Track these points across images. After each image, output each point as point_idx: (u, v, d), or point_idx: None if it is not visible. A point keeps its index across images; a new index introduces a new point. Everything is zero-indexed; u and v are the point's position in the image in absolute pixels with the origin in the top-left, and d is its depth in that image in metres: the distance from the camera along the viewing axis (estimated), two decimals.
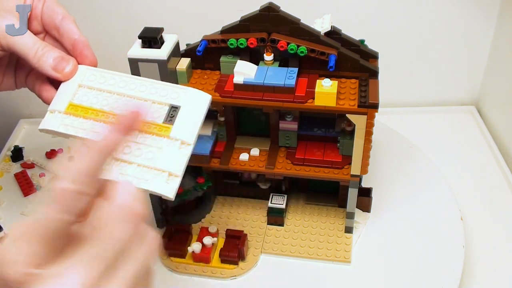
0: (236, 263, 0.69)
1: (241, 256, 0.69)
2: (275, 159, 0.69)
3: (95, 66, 0.54)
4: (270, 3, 0.62)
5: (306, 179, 0.74)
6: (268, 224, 0.74)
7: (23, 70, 0.59)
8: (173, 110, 0.49)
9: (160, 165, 0.47)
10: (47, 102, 0.54)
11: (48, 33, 0.57)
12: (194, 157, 0.69)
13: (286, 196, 0.74)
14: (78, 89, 0.52)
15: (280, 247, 0.71)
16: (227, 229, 0.71)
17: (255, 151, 0.70)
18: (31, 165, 0.90)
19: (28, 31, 0.53)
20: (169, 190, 0.47)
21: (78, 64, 0.54)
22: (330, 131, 0.70)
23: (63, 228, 0.34)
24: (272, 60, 0.64)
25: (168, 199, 0.47)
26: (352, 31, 0.68)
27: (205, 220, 0.75)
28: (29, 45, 0.52)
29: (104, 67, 1.05)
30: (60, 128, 0.51)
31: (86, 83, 0.52)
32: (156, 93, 0.50)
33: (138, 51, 0.61)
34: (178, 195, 0.69)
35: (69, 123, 0.50)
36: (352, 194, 0.68)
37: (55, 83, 0.55)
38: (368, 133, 0.61)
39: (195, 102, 0.50)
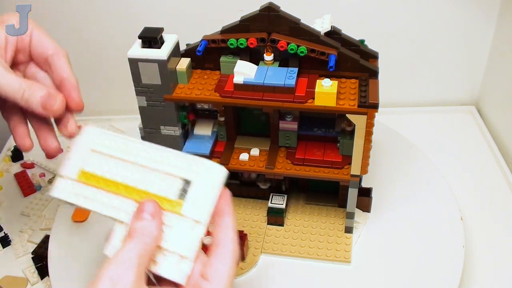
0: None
1: (241, 256, 0.69)
2: (275, 159, 0.69)
3: (81, 109, 0.53)
4: (270, 3, 0.62)
5: (306, 179, 0.74)
6: (268, 224, 0.74)
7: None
8: (186, 184, 0.46)
9: (171, 246, 0.44)
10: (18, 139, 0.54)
11: (37, 64, 0.56)
12: None
13: (286, 196, 0.74)
14: (90, 154, 0.50)
15: (280, 247, 0.71)
16: None
17: (255, 151, 0.70)
18: (31, 165, 0.90)
19: (11, 72, 0.51)
20: (180, 274, 0.43)
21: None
22: (330, 131, 0.70)
23: None
24: (272, 60, 0.64)
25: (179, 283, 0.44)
26: (352, 31, 0.68)
27: None
28: (16, 88, 0.50)
29: (104, 67, 1.06)
30: (72, 198, 0.49)
31: (98, 148, 0.50)
32: (169, 163, 0.47)
33: (138, 51, 0.61)
34: None
35: (81, 193, 0.48)
36: (352, 194, 0.68)
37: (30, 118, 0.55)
38: (368, 133, 0.61)
39: (209, 176, 0.46)
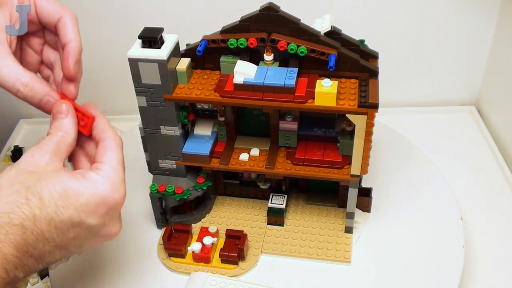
0: (236, 263, 0.69)
1: (241, 256, 0.69)
2: (275, 159, 0.69)
3: (71, 79, 0.57)
4: (270, 3, 0.62)
5: (306, 179, 0.74)
6: (268, 224, 0.74)
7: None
8: None
9: None
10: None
11: (50, 31, 0.58)
12: (194, 157, 0.69)
13: (286, 196, 0.74)
14: None
15: (280, 247, 0.71)
16: (227, 229, 0.71)
17: (255, 151, 0.70)
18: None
19: (11, 63, 0.53)
20: None
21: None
22: (330, 131, 0.70)
23: None
24: (272, 60, 0.64)
25: None
26: (352, 31, 0.68)
27: (205, 220, 0.75)
28: (10, 84, 0.53)
29: (104, 67, 1.06)
30: None
31: None
32: None
33: (138, 51, 0.61)
34: (178, 195, 0.70)
35: None
36: (352, 194, 0.68)
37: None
38: (368, 133, 0.61)
39: None
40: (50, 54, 0.59)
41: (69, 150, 0.54)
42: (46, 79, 0.60)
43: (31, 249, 0.46)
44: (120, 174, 0.53)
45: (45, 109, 0.55)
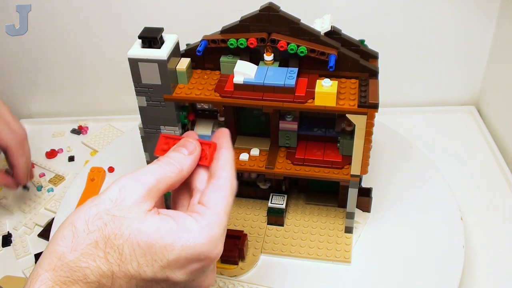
0: (236, 263, 0.69)
1: (241, 256, 0.69)
2: (275, 159, 0.69)
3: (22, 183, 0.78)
4: (270, 3, 0.62)
5: (306, 179, 0.74)
6: (268, 224, 0.74)
7: None
8: None
9: None
10: None
11: None
12: None
13: (286, 196, 0.74)
14: None
15: (280, 247, 0.71)
16: (227, 229, 0.70)
17: (255, 151, 0.70)
18: (31, 165, 0.90)
19: None
20: None
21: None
22: (330, 131, 0.70)
23: None
24: (272, 60, 0.64)
25: None
26: (352, 31, 0.68)
27: None
28: None
29: (104, 67, 1.06)
30: None
31: None
32: None
33: (138, 51, 0.61)
34: None
35: None
36: (352, 194, 0.68)
37: None
38: (368, 133, 0.61)
39: None
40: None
41: (169, 189, 0.45)
42: None
43: None
44: (223, 225, 0.44)
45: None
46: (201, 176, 0.47)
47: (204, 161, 0.47)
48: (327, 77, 0.61)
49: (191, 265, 0.42)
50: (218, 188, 0.45)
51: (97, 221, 0.41)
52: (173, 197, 0.49)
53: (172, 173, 0.45)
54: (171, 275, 0.42)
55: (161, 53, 0.60)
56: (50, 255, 0.40)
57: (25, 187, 0.84)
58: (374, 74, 0.63)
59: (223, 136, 0.49)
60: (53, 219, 0.78)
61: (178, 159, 0.46)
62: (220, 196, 0.44)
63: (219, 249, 0.43)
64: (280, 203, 0.73)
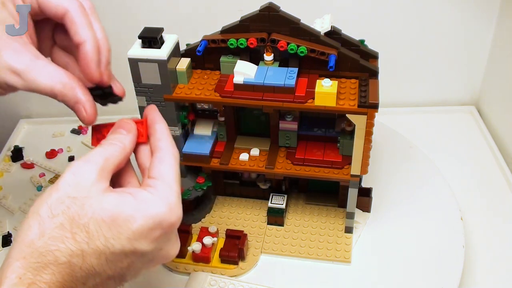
0: (236, 263, 0.69)
1: (241, 256, 0.69)
2: (275, 159, 0.69)
3: (95, 81, 0.50)
4: (270, 3, 0.62)
5: (306, 179, 0.74)
6: (268, 224, 0.74)
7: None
8: None
9: None
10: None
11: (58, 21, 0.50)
12: (194, 157, 0.69)
13: (286, 196, 0.74)
14: None
15: (280, 247, 0.71)
16: (227, 229, 0.71)
17: (255, 151, 0.70)
18: (31, 165, 0.90)
19: (44, 65, 0.47)
20: None
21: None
22: (330, 131, 0.70)
23: None
24: (272, 60, 0.64)
25: None
26: (352, 31, 0.68)
27: (205, 220, 0.75)
28: (49, 88, 0.48)
29: None
30: None
31: None
32: None
33: (138, 51, 0.61)
34: None
35: None
36: (352, 194, 0.68)
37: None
38: (368, 133, 0.61)
39: None
40: (64, 38, 0.52)
41: (117, 167, 0.47)
42: (64, 66, 0.52)
43: (80, 285, 0.42)
44: (176, 192, 0.46)
45: (77, 115, 0.49)
46: (145, 154, 0.50)
47: (141, 138, 0.50)
48: (327, 77, 0.61)
49: (155, 233, 0.44)
50: (161, 159, 0.47)
51: (60, 205, 0.42)
52: (123, 180, 0.49)
53: (116, 152, 0.47)
54: (138, 246, 0.43)
55: (161, 53, 0.60)
56: (19, 245, 0.41)
57: (107, 95, 0.52)
58: (374, 74, 0.63)
59: (152, 111, 0.51)
60: None
61: (119, 138, 0.48)
62: (166, 166, 0.47)
63: (178, 214, 0.46)
64: (280, 203, 0.73)
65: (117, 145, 0.47)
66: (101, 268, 0.43)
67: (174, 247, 0.48)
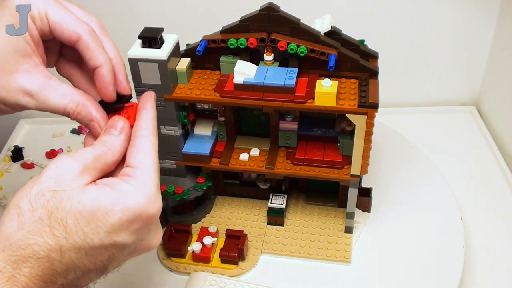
0: (236, 263, 0.69)
1: (241, 256, 0.69)
2: (275, 159, 0.69)
3: (129, 93, 0.52)
4: (270, 3, 0.62)
5: (306, 179, 0.74)
6: (268, 224, 0.74)
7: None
8: None
9: None
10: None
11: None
12: (194, 157, 0.69)
13: (286, 196, 0.74)
14: None
15: (280, 247, 0.71)
16: (227, 229, 0.71)
17: (255, 151, 0.70)
18: (31, 165, 0.90)
19: (58, 81, 0.48)
20: None
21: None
22: (330, 131, 0.70)
23: None
24: (272, 60, 0.64)
25: None
26: (352, 31, 0.68)
27: (205, 220, 0.75)
28: (62, 108, 0.48)
29: None
30: None
31: None
32: None
33: (138, 51, 0.61)
34: (178, 195, 0.70)
35: None
36: (352, 194, 0.68)
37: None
38: (368, 133, 0.61)
39: None
40: (72, 51, 0.52)
41: (106, 169, 0.46)
42: (68, 77, 0.54)
43: (61, 279, 0.42)
44: (155, 181, 0.46)
45: (92, 133, 0.50)
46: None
47: (132, 121, 0.50)
48: (327, 77, 0.61)
49: (134, 225, 0.44)
50: (139, 147, 0.47)
51: (40, 199, 0.42)
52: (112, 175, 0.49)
53: (105, 154, 0.46)
54: (118, 239, 0.43)
55: (161, 53, 0.60)
56: None
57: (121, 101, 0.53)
58: (374, 74, 0.63)
59: (147, 98, 0.51)
60: None
61: (110, 141, 0.48)
62: (144, 154, 0.47)
63: (158, 204, 0.45)
64: (280, 203, 0.73)
65: (107, 146, 0.47)
66: (81, 262, 0.42)
67: (156, 237, 0.48)
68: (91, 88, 0.53)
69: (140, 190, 0.44)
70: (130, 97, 0.53)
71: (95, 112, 0.49)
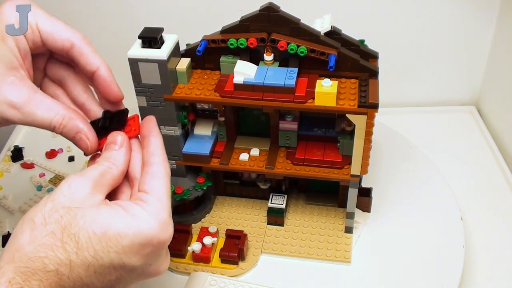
0: (236, 263, 0.69)
1: (241, 256, 0.69)
2: (275, 159, 0.69)
3: (120, 99, 0.52)
4: (270, 3, 0.62)
5: (306, 179, 0.74)
6: (268, 224, 0.74)
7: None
8: None
9: None
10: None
11: (59, 56, 0.53)
12: (194, 157, 0.69)
13: (286, 196, 0.74)
14: None
15: (280, 247, 0.71)
16: (227, 229, 0.71)
17: (255, 151, 0.70)
18: (31, 165, 0.90)
19: (43, 95, 0.49)
20: None
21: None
22: (330, 131, 0.70)
23: None
24: (272, 60, 0.64)
25: None
26: (352, 31, 0.68)
27: (205, 220, 0.75)
28: (47, 123, 0.49)
29: None
30: None
31: None
32: None
33: (138, 51, 0.61)
34: (178, 195, 0.70)
35: None
36: (352, 194, 0.68)
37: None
38: (368, 133, 0.61)
39: None
40: (56, 70, 0.54)
41: (113, 184, 0.48)
42: (54, 97, 0.53)
43: None
44: (168, 209, 0.46)
45: (79, 146, 0.51)
46: (136, 165, 0.50)
47: (132, 132, 0.51)
48: (327, 77, 0.61)
49: (145, 250, 0.44)
50: (154, 174, 0.48)
51: (54, 214, 0.43)
52: (118, 190, 0.50)
53: (110, 169, 0.48)
54: (127, 261, 0.44)
55: (161, 53, 0.60)
56: (10, 248, 0.42)
57: (113, 118, 0.53)
58: (374, 74, 0.63)
59: (150, 123, 0.51)
60: None
61: (112, 155, 0.49)
62: (159, 181, 0.47)
63: (169, 232, 0.46)
64: (280, 203, 0.73)
65: (110, 162, 0.48)
66: (89, 280, 0.43)
67: (164, 263, 0.48)
68: (86, 101, 0.54)
69: (154, 216, 0.45)
70: (127, 111, 0.54)
71: (82, 124, 0.50)
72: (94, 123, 0.51)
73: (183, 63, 0.64)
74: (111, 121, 0.52)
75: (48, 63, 0.54)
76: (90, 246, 0.42)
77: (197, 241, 0.70)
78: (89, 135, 0.50)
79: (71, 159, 0.92)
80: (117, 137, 0.50)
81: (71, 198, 0.44)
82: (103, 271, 0.43)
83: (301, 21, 0.63)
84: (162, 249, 0.47)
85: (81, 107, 0.54)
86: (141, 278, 0.47)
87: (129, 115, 0.53)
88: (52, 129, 0.49)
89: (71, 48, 0.50)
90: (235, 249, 0.68)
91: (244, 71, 0.62)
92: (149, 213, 0.45)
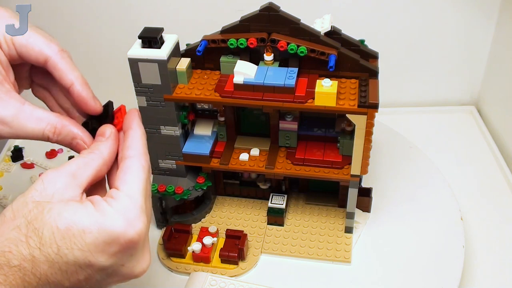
0: (236, 263, 0.69)
1: (241, 256, 0.69)
2: (275, 159, 0.69)
3: (97, 113, 0.51)
4: (270, 3, 0.62)
5: (306, 179, 0.74)
6: (268, 224, 0.74)
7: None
8: None
9: None
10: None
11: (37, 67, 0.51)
12: (194, 157, 0.69)
13: (286, 196, 0.74)
14: None
15: (280, 247, 0.71)
16: (227, 229, 0.71)
17: (255, 151, 0.70)
18: (31, 165, 0.90)
19: (32, 106, 0.48)
20: None
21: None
22: (330, 131, 0.70)
23: None
24: (272, 60, 0.64)
25: None
26: (352, 31, 0.68)
27: (205, 220, 0.75)
28: (39, 133, 0.48)
29: (104, 67, 1.06)
30: None
31: None
32: None
33: (138, 51, 0.61)
34: (178, 195, 0.70)
35: None
36: (352, 194, 0.68)
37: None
38: (368, 133, 0.61)
39: None
40: (39, 77, 0.53)
41: (95, 174, 0.46)
42: (45, 99, 0.54)
43: None
44: (138, 204, 0.44)
45: (77, 151, 0.49)
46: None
47: (120, 125, 0.50)
48: (327, 77, 0.61)
49: (111, 248, 0.43)
50: (127, 168, 0.46)
51: (23, 209, 0.42)
52: (96, 186, 0.49)
53: (93, 160, 0.46)
54: (93, 260, 0.42)
55: (161, 53, 0.60)
56: None
57: (102, 119, 0.52)
58: (374, 74, 0.63)
59: (131, 117, 0.50)
60: None
61: (97, 145, 0.48)
62: (131, 176, 0.45)
63: (138, 229, 0.43)
64: (280, 203, 0.73)
65: (94, 152, 0.47)
66: (55, 278, 0.41)
67: (140, 263, 0.46)
68: (70, 107, 0.53)
69: (120, 213, 0.43)
70: (111, 104, 0.52)
71: (76, 129, 0.49)
72: (87, 125, 0.51)
73: (183, 63, 0.64)
74: (99, 119, 0.51)
75: (32, 71, 0.53)
76: (53, 242, 0.41)
77: (197, 241, 0.70)
78: (85, 139, 0.49)
79: (71, 159, 0.92)
80: (106, 130, 0.49)
81: (42, 193, 0.43)
82: (69, 269, 0.42)
83: (301, 21, 0.63)
84: (133, 249, 0.44)
85: (67, 112, 0.53)
86: (115, 279, 0.45)
87: (115, 108, 0.52)
88: (46, 139, 0.48)
89: (46, 62, 0.49)
90: (235, 249, 0.68)
91: (244, 71, 0.62)
92: (115, 210, 0.43)
